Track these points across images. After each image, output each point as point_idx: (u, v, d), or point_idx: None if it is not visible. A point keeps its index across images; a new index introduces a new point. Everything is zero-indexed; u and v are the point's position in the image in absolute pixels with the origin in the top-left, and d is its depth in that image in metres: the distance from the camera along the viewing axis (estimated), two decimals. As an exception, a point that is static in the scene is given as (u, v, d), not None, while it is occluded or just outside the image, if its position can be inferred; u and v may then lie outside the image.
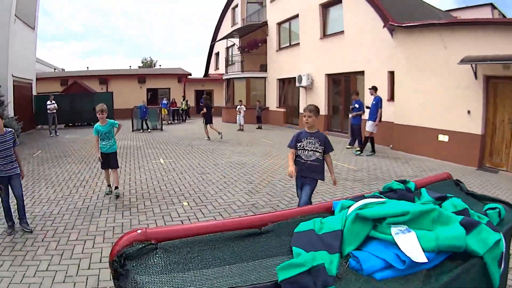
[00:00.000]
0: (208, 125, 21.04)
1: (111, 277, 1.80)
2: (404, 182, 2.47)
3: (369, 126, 15.09)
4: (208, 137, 20.87)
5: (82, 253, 6.23)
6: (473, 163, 13.40)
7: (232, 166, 12.88)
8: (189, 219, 7.63)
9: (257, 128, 26.48)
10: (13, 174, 7.15)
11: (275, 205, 8.49)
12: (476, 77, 13.13)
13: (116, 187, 9.70)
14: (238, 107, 26.39)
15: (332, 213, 2.25)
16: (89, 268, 5.68)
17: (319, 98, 23.32)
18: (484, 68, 12.97)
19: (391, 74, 17.30)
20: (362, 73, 19.54)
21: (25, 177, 8.46)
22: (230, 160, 14.00)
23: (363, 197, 2.15)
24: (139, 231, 1.87)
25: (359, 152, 15.51)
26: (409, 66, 15.83)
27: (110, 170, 9.78)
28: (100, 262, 5.86)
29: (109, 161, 9.67)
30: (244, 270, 1.80)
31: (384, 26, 16.99)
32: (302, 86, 24.61)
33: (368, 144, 15.49)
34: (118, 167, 10.08)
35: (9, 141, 7.06)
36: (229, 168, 12.56)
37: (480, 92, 13.17)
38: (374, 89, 15.35)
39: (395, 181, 2.40)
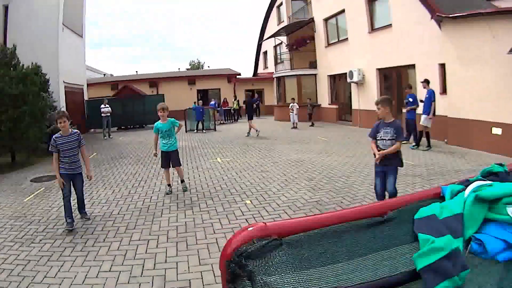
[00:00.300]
0: (248, 121, 22.29)
1: (227, 281, 1.55)
2: (501, 165, 2.45)
3: (423, 120, 14.85)
4: (249, 132, 21.93)
5: (146, 253, 6.29)
6: None
7: (291, 163, 12.96)
8: (254, 218, 7.75)
9: (310, 126, 26.34)
10: (77, 173, 7.85)
11: (339, 201, 8.50)
12: None
13: (182, 181, 10.30)
14: (291, 105, 26.28)
15: (441, 199, 2.16)
16: (154, 269, 5.72)
17: (371, 93, 23.02)
18: None
19: (442, 66, 16.90)
20: (413, 66, 19.17)
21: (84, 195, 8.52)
22: (288, 157, 14.07)
23: (468, 181, 2.15)
24: (250, 229, 1.61)
25: (415, 147, 15.36)
26: (459, 57, 15.38)
27: (170, 169, 10.09)
28: (166, 262, 5.90)
29: (170, 159, 9.97)
30: (376, 261, 1.66)
31: (431, 18, 16.67)
32: (353, 82, 24.42)
33: (424, 139, 15.27)
34: (181, 165, 10.40)
35: (74, 141, 7.73)
36: (288, 165, 12.65)
37: None
38: (426, 82, 15.13)
39: (495, 164, 2.40)
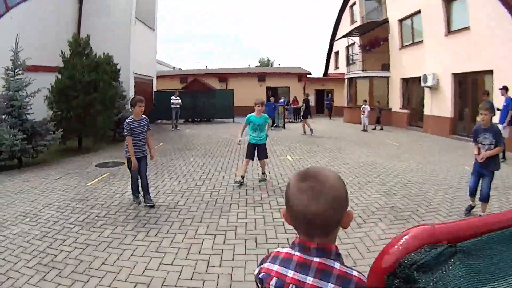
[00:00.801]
0: (303, 120, 23.11)
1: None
2: None
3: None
4: (304, 131, 22.31)
5: (212, 248, 6.09)
6: None
7: (362, 166, 12.80)
8: None
9: (378, 129, 25.95)
10: (143, 156, 8.33)
11: (414, 209, 8.23)
12: None
13: (263, 173, 10.74)
14: (363, 107, 25.93)
15: None
16: (220, 266, 5.49)
17: (445, 99, 22.46)
18: None
19: None
20: (490, 72, 18.27)
21: (148, 167, 8.82)
22: (359, 160, 13.90)
23: None
24: (414, 233, 1.34)
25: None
26: None
27: (250, 162, 10.49)
28: (233, 260, 5.69)
29: (256, 151, 10.28)
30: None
31: None
32: (427, 86, 23.76)
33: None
34: (267, 158, 10.88)
35: (144, 126, 8.27)
36: (359, 168, 12.48)
37: None
38: (505, 89, 14.41)
39: None
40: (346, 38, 35.63)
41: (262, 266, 1.69)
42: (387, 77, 30.77)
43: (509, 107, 13.97)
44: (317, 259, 1.55)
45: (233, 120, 31.06)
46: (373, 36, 31.95)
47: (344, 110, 34.16)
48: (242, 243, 6.35)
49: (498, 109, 14.33)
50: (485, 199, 7.47)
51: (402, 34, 28.65)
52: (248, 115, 10.42)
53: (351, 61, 36.60)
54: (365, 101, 27.10)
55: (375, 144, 18.68)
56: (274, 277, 1.58)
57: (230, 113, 31.52)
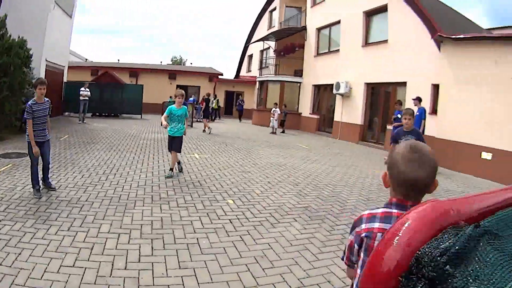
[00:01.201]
0: (203, 119, 24.15)
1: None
2: None
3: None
4: (204, 129, 22.58)
5: (116, 248, 5.45)
6: None
7: (273, 167, 12.47)
8: (238, 219, 7.05)
9: (281, 133, 25.91)
10: (46, 141, 8.01)
11: (329, 209, 8.03)
12: None
13: (171, 169, 10.31)
14: (273, 109, 25.89)
15: None
16: (125, 268, 4.87)
17: (356, 107, 22.90)
18: None
19: (435, 87, 16.86)
20: (404, 84, 19.02)
21: (51, 158, 8.63)
22: (269, 161, 13.57)
23: None
24: (423, 211, 1.12)
25: None
26: (456, 79, 15.32)
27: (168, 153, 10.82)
28: (139, 261, 5.08)
29: (172, 143, 10.29)
30: None
31: (432, 37, 16.67)
32: (339, 94, 24.06)
33: None
34: (179, 152, 10.66)
35: (47, 109, 7.90)
36: (269, 168, 12.13)
37: None
38: (418, 99, 15.04)
39: None
40: (261, 42, 35.66)
41: (359, 229, 2.09)
42: (299, 83, 30.94)
43: (422, 117, 14.36)
44: None
45: (141, 116, 30.05)
46: (289, 42, 32.01)
47: (254, 112, 34.04)
48: (149, 243, 5.73)
49: None
50: None
51: (319, 42, 28.92)
52: (169, 106, 10.43)
53: (264, 65, 36.71)
54: (276, 104, 26.97)
55: (285, 146, 18.52)
56: (378, 233, 1.98)
57: (138, 108, 30.36)
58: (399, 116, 15.42)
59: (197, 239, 5.94)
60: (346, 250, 2.25)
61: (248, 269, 5.02)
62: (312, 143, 20.86)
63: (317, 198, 8.87)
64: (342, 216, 7.68)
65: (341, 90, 23.49)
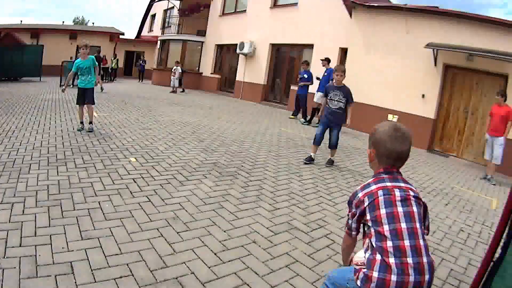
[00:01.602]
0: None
1: None
2: None
3: (318, 97, 14.48)
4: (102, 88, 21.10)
5: (9, 222, 4.34)
6: (423, 145, 13.70)
7: (175, 124, 11.77)
8: (142, 177, 6.23)
9: (180, 92, 24.97)
10: None
11: (239, 165, 7.60)
12: (435, 64, 13.59)
13: (91, 122, 9.84)
14: (174, 68, 24.85)
15: None
16: (20, 245, 3.80)
17: (260, 67, 22.52)
18: (445, 57, 13.41)
19: (343, 50, 17.00)
20: (311, 46, 18.98)
21: None
22: (171, 118, 12.83)
23: None
24: None
25: (306, 123, 15.00)
26: (366, 44, 15.68)
27: (85, 106, 9.84)
28: (36, 235, 4.03)
29: (85, 96, 9.78)
30: None
31: (344, 3, 16.76)
32: (242, 53, 23.52)
33: (315, 118, 14.96)
34: (94, 104, 10.12)
35: None
36: (172, 125, 11.40)
37: (438, 78, 13.56)
38: (327, 60, 14.87)
39: None
40: (166, 1, 33.85)
41: (356, 200, 2.58)
42: (202, 42, 29.95)
43: (330, 77, 13.99)
44: (399, 176, 2.62)
45: (40, 79, 27.56)
46: (195, 1, 30.62)
47: (154, 72, 32.59)
48: (45, 212, 4.68)
49: (318, 78, 15.00)
50: (334, 146, 8.57)
51: (225, 2, 27.91)
52: (75, 61, 9.98)
53: (167, 25, 35.24)
54: (177, 62, 25.80)
55: (186, 104, 17.79)
56: (378, 190, 2.50)
57: (37, 71, 27.79)
58: (305, 76, 15.41)
59: (99, 203, 5.03)
60: (347, 217, 2.71)
61: (161, 234, 4.30)
62: (214, 102, 20.29)
63: (226, 154, 8.39)
64: (255, 171, 7.29)
65: (245, 50, 22.99)
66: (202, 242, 4.25)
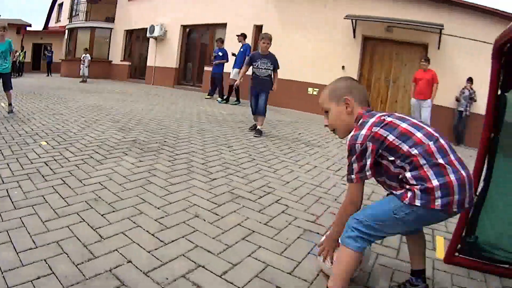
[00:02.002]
0: None
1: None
2: None
3: (234, 74, 14.18)
4: None
5: None
6: None
7: (87, 108, 10.89)
8: (55, 159, 5.41)
9: (80, 82, 22.75)
10: None
11: (161, 141, 6.99)
12: (354, 36, 14.07)
13: (10, 104, 9.48)
14: (83, 56, 23.44)
15: None
16: None
17: (172, 50, 21.84)
18: (364, 28, 13.90)
19: (258, 28, 16.73)
20: (224, 25, 18.55)
21: None
22: (83, 103, 11.91)
23: None
24: None
25: (224, 101, 14.61)
26: (282, 20, 15.70)
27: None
28: None
29: (2, 82, 9.44)
30: None
31: None
32: (153, 37, 22.66)
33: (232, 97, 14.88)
34: (12, 89, 9.66)
35: None
36: (84, 110, 10.52)
37: (358, 50, 13.99)
38: (243, 36, 14.54)
39: None
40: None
41: (359, 139, 2.37)
42: (111, 29, 28.60)
43: (246, 53, 13.85)
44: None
45: None
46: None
47: (62, 63, 30.72)
48: None
49: (233, 54, 14.76)
50: (262, 112, 8.51)
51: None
52: None
53: (75, 13, 33.09)
54: (86, 49, 24.44)
55: (97, 91, 16.76)
56: (381, 117, 2.44)
57: None
58: (220, 54, 14.97)
59: (7, 190, 4.12)
60: (354, 164, 2.40)
61: (82, 219, 3.44)
62: (126, 88, 19.44)
63: (145, 132, 7.73)
64: (180, 146, 6.78)
65: (156, 33, 22.13)
66: (134, 222, 3.48)
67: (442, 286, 3.11)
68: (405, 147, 2.22)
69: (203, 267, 2.89)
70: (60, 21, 40.19)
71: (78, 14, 32.06)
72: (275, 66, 8.41)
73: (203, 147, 6.85)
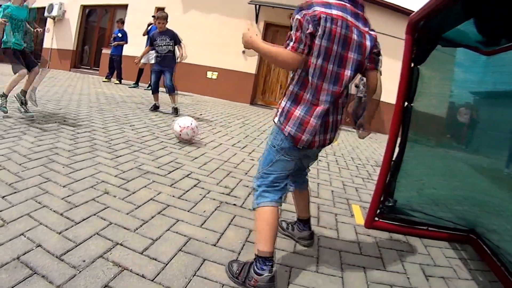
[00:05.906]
0: None
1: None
2: None
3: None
4: None
5: None
6: (246, 99, 14.18)
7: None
8: None
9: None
10: None
11: (61, 120, 6.49)
12: (257, 21, 13.94)
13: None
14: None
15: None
16: None
17: (70, 31, 20.40)
18: (267, 14, 13.90)
19: (161, 10, 15.54)
20: (125, 6, 17.58)
21: None
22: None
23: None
24: None
25: (135, 85, 13.99)
26: (185, 3, 15.27)
27: None
28: None
29: None
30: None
31: None
32: (51, 17, 20.88)
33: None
34: None
35: None
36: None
37: (259, 35, 13.17)
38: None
39: None
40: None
41: (310, 11, 2.14)
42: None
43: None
44: (361, 12, 2.26)
45: None
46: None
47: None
48: None
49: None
50: (171, 90, 8.63)
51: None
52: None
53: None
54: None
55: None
56: (339, 19, 2.13)
57: None
58: (119, 35, 14.51)
59: None
60: (293, 35, 2.20)
61: None
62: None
63: (42, 112, 7.13)
64: (81, 125, 6.31)
65: (54, 13, 20.43)
66: (39, 203, 3.07)
67: (368, 248, 3.19)
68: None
69: (121, 244, 2.65)
70: None
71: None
72: (176, 41, 8.55)
73: (105, 126, 6.49)
